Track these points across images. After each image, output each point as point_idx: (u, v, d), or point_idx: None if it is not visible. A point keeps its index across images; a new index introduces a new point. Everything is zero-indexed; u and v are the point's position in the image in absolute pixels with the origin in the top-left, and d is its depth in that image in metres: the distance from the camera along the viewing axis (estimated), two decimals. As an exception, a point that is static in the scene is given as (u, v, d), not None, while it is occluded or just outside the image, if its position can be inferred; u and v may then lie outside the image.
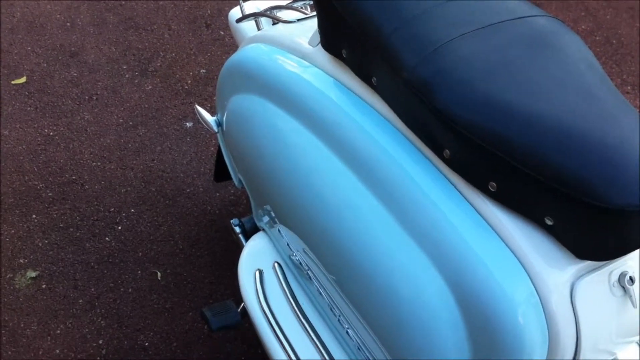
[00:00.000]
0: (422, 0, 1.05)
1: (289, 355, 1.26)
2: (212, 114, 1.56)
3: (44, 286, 1.88)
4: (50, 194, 2.10)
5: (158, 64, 2.56)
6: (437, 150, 0.98)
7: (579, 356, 0.91)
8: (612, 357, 1.09)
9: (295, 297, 1.34)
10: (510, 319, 0.88)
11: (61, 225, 2.03)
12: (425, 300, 0.96)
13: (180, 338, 1.78)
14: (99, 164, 2.20)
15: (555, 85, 0.92)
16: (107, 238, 2.00)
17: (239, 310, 1.49)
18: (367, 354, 1.17)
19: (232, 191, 2.12)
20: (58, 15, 2.75)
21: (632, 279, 0.89)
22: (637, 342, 1.18)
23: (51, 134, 2.29)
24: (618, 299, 0.91)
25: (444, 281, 0.94)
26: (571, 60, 0.97)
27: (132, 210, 2.07)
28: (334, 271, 1.18)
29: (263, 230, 1.52)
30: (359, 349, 1.19)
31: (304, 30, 1.34)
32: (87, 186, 2.13)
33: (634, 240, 0.83)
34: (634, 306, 0.90)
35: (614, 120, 0.88)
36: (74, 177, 2.15)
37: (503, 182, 0.90)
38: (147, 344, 1.77)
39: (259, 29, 1.60)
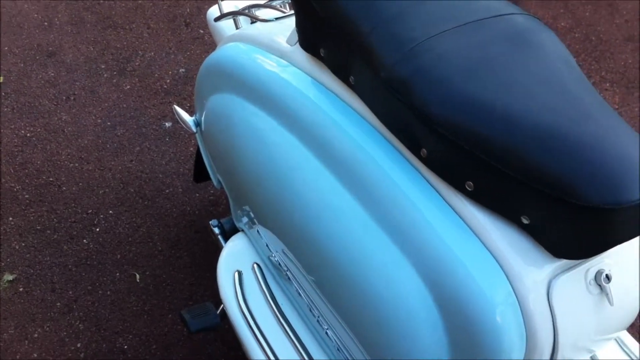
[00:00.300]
0: (400, -1, 1.05)
1: (268, 357, 1.25)
2: (192, 113, 1.55)
3: (21, 289, 1.86)
4: (27, 196, 2.08)
5: (137, 64, 2.53)
6: (415, 149, 0.97)
7: (557, 355, 0.90)
8: (590, 355, 1.09)
9: (274, 298, 1.33)
10: (488, 319, 0.88)
11: (38, 227, 2.00)
12: (403, 301, 0.95)
13: (160, 340, 1.76)
14: (76, 165, 2.17)
15: (534, 83, 0.92)
16: (85, 240, 1.98)
17: (218, 312, 1.48)
18: (347, 354, 1.16)
19: (212, 192, 2.10)
20: (35, 15, 2.71)
21: (608, 277, 0.89)
22: (615, 339, 1.18)
23: (28, 135, 2.26)
24: (595, 297, 0.91)
25: (422, 281, 0.93)
26: (549, 58, 0.97)
27: (110, 211, 2.05)
28: (313, 272, 1.17)
29: (242, 231, 1.51)
30: (338, 349, 1.18)
31: (283, 28, 1.33)
32: (64, 188, 2.10)
33: (611, 238, 0.83)
34: (611, 304, 0.90)
35: (592, 119, 0.88)
36: (51, 179, 2.13)
37: (480, 182, 0.90)
38: (126, 346, 1.75)
39: (237, 28, 1.59)
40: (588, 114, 0.89)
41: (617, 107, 2.43)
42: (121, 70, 2.50)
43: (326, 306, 1.16)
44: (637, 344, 1.22)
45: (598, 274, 0.90)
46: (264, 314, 1.32)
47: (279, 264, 1.30)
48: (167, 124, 2.31)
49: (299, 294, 1.26)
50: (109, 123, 2.31)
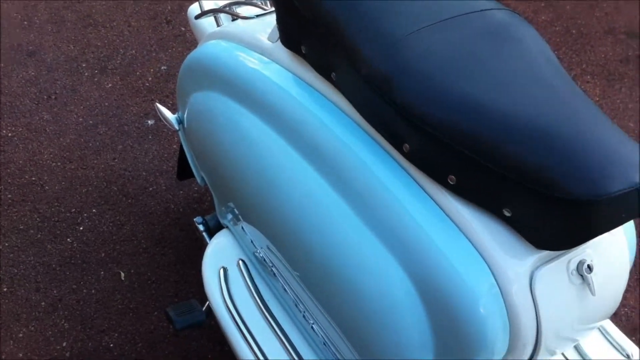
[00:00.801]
0: (381, -6, 1.05)
1: (254, 353, 1.26)
2: (174, 111, 1.55)
3: (5, 289, 1.85)
4: (9, 195, 2.06)
5: (118, 62, 2.52)
6: (397, 144, 0.98)
7: (540, 345, 0.92)
8: (574, 344, 1.11)
9: (260, 294, 1.33)
10: (471, 310, 0.89)
11: (21, 227, 1.99)
12: (387, 294, 0.96)
13: (146, 338, 1.76)
14: (59, 164, 2.16)
15: (515, 78, 0.93)
16: (68, 239, 1.97)
17: (203, 309, 1.48)
18: (333, 349, 1.17)
19: (196, 189, 2.10)
20: (15, 14, 2.69)
21: (590, 267, 0.90)
22: (598, 329, 1.20)
23: (9, 134, 2.24)
24: (577, 287, 0.92)
25: (405, 274, 0.94)
26: (529, 53, 0.98)
27: (94, 210, 2.04)
28: (298, 267, 1.18)
29: (227, 227, 1.51)
30: (324, 344, 1.19)
31: (264, 25, 1.33)
32: (47, 187, 2.09)
33: (592, 229, 0.84)
34: (593, 294, 0.92)
35: (573, 113, 0.89)
36: (33, 178, 2.12)
37: (462, 176, 0.91)
38: (111, 345, 1.75)
39: (218, 25, 1.59)
40: (569, 107, 0.90)
41: (598, 99, 2.46)
42: (102, 69, 2.49)
43: (312, 301, 1.16)
44: (620, 332, 1.24)
45: (580, 264, 0.91)
46: (249, 310, 1.32)
47: (264, 259, 1.31)
48: (149, 121, 2.30)
49: (285, 289, 1.26)
50: (91, 122, 2.30)
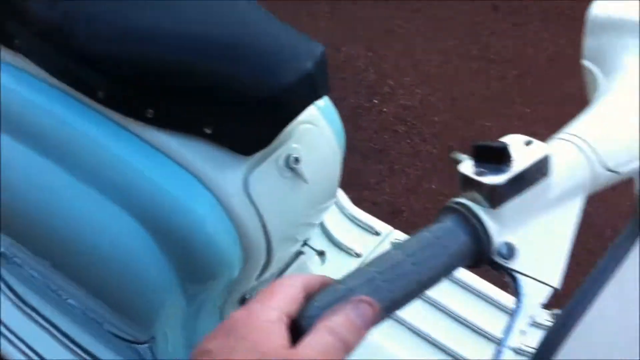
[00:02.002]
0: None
1: (14, 344, 1.19)
2: None
3: None
4: None
5: None
6: (91, 93, 0.96)
7: (273, 244, 0.96)
8: (313, 229, 1.18)
9: (10, 286, 1.26)
10: (201, 233, 0.90)
11: None
12: (120, 244, 0.94)
13: None
14: None
15: (186, 3, 0.94)
16: None
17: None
18: (93, 314, 1.14)
19: None
20: None
21: (297, 159, 0.95)
22: (347, 216, 1.30)
23: None
24: (290, 180, 0.96)
25: (132, 218, 0.93)
26: None
27: None
28: (37, 250, 1.12)
29: (-40, 232, 1.39)
30: (84, 314, 1.15)
31: None
32: None
33: (282, 119, 0.89)
34: (306, 182, 0.97)
35: (245, 23, 0.93)
36: None
37: (158, 107, 0.91)
38: None
39: None
40: (241, 20, 0.93)
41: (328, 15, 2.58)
42: None
43: (59, 276, 1.12)
44: (369, 215, 1.34)
45: (287, 159, 0.95)
46: (3, 306, 1.25)
47: (6, 254, 1.23)
48: None
49: (32, 275, 1.20)
50: None
